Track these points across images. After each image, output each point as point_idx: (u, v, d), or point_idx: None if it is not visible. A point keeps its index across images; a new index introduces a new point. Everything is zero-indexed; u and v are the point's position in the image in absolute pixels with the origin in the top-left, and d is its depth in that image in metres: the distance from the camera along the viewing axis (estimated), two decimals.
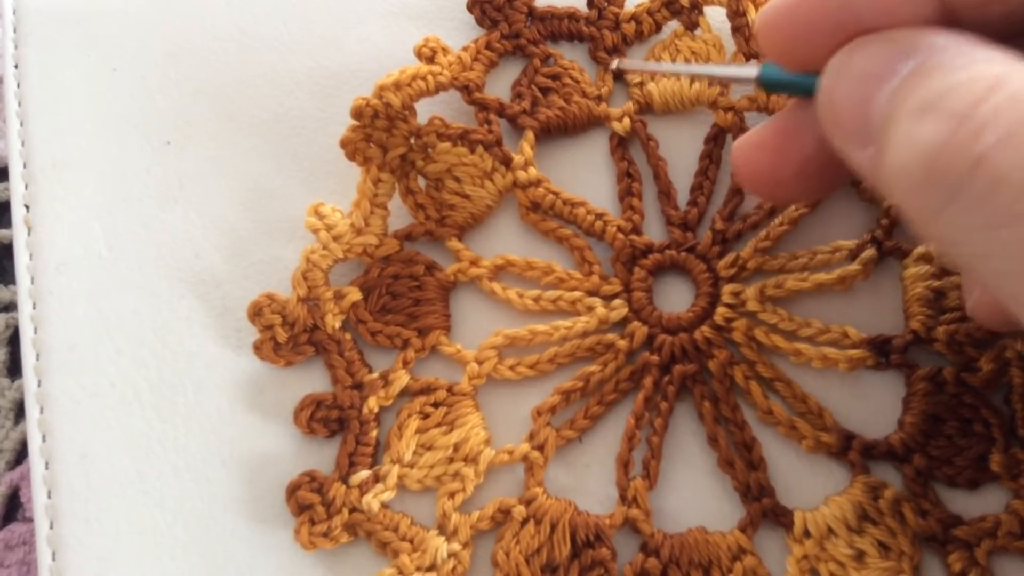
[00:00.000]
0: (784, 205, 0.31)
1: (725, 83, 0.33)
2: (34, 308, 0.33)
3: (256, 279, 0.33)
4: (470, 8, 0.35)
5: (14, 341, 0.41)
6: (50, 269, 0.34)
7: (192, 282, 0.33)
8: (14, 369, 0.40)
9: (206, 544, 0.30)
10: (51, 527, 0.31)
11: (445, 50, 0.34)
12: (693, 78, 0.34)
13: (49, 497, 0.31)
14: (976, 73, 0.18)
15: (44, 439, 0.32)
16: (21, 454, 0.39)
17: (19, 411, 0.39)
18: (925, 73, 0.19)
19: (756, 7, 0.34)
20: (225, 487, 0.31)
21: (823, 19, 0.22)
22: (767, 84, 0.26)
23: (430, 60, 0.33)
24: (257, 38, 0.36)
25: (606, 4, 0.35)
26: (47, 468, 0.31)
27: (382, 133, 0.32)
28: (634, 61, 0.34)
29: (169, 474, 0.31)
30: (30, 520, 0.38)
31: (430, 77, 0.32)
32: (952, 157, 0.17)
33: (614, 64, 0.34)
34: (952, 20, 0.21)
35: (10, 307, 0.41)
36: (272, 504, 0.31)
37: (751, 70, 0.26)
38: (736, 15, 0.34)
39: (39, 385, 0.32)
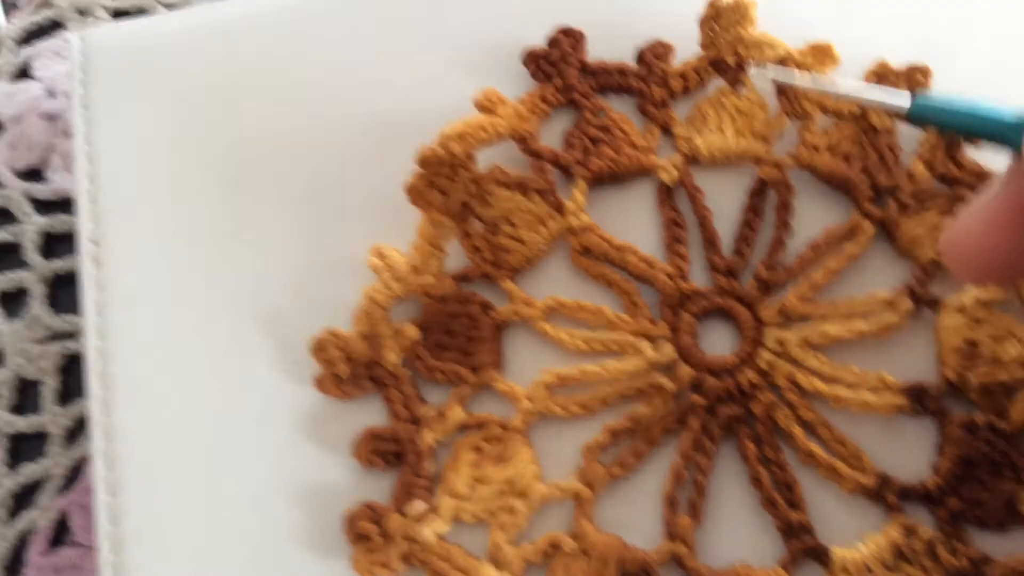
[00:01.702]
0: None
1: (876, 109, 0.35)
2: (102, 342, 0.36)
3: (316, 315, 0.35)
4: (525, 63, 0.38)
5: (66, 370, 0.43)
6: (117, 304, 0.36)
7: (254, 318, 0.36)
8: (66, 396, 0.43)
9: (266, 573, 0.33)
10: (115, 555, 0.33)
11: (503, 101, 0.36)
12: (737, 133, 0.36)
13: (113, 525, 0.33)
14: None
15: (109, 469, 0.34)
16: (70, 480, 0.41)
17: (70, 437, 0.42)
18: None
19: (799, 68, 0.36)
20: (285, 517, 0.33)
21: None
22: (917, 118, 0.25)
23: (489, 111, 0.36)
24: (319, 83, 0.39)
25: (654, 60, 0.38)
26: (113, 497, 0.34)
27: (445, 180, 0.34)
28: (774, 70, 0.36)
29: (232, 505, 0.33)
30: (79, 545, 0.40)
31: (490, 127, 0.35)
32: None
33: (753, 70, 0.36)
34: None
35: (60, 336, 0.44)
36: (330, 534, 0.33)
37: (903, 100, 0.25)
38: None
39: (107, 416, 0.35)
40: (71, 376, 0.43)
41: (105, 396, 0.35)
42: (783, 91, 0.37)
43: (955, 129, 0.24)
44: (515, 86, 0.38)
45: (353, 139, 0.38)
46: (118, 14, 0.52)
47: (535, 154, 0.36)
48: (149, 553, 0.33)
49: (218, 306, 0.36)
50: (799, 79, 0.36)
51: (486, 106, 0.36)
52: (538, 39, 0.39)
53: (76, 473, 0.41)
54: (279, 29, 0.40)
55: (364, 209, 0.37)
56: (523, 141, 0.36)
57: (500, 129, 0.35)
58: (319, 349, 0.34)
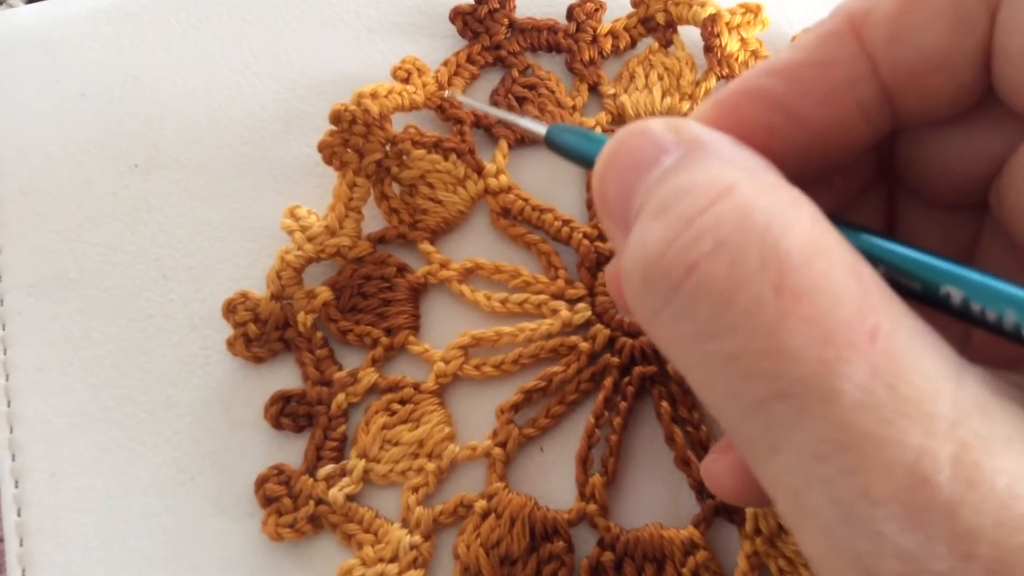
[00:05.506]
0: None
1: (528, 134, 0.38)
2: (3, 329, 0.38)
3: (222, 297, 0.37)
4: (452, 19, 0.40)
5: None
6: (19, 291, 0.38)
7: (159, 301, 0.38)
8: None
9: (173, 558, 0.35)
10: (21, 544, 0.35)
11: (421, 70, 0.39)
12: (664, 92, 0.38)
13: (19, 515, 0.36)
14: (713, 176, 0.19)
15: (14, 458, 0.36)
16: None
17: None
18: (676, 170, 0.20)
19: (730, 30, 0.38)
20: (191, 503, 0.35)
21: (764, 116, 0.22)
22: (552, 145, 0.27)
23: (405, 81, 0.38)
24: (223, 62, 0.41)
25: (585, 18, 0.40)
26: (17, 487, 0.36)
27: (359, 139, 0.37)
28: (462, 96, 0.38)
29: (136, 490, 0.35)
30: None
31: (406, 94, 0.37)
32: (670, 262, 0.18)
33: (447, 92, 0.38)
34: (893, 103, 0.22)
35: None
36: (240, 504, 0.35)
37: (541, 128, 0.28)
38: (710, 36, 0.39)
39: (8, 405, 0.37)
40: None
41: (7, 384, 0.37)
42: (711, 49, 0.38)
43: (572, 157, 0.27)
44: (447, 45, 0.41)
45: (258, 117, 0.40)
46: (32, 1, 0.54)
47: (455, 119, 0.38)
48: (54, 541, 0.35)
49: (122, 291, 0.38)
50: (470, 102, 0.38)
51: (402, 76, 0.38)
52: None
53: None
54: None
55: (271, 188, 0.39)
56: (441, 110, 0.38)
57: (416, 97, 0.38)
58: (229, 310, 0.36)
